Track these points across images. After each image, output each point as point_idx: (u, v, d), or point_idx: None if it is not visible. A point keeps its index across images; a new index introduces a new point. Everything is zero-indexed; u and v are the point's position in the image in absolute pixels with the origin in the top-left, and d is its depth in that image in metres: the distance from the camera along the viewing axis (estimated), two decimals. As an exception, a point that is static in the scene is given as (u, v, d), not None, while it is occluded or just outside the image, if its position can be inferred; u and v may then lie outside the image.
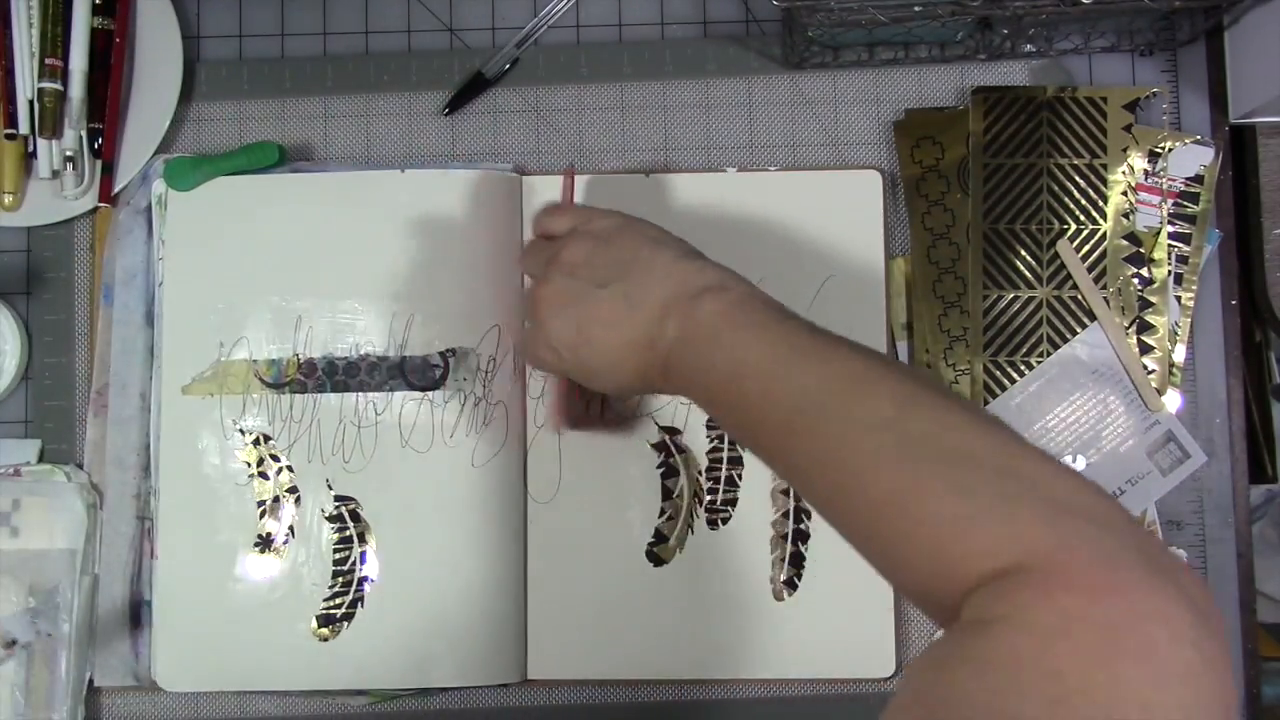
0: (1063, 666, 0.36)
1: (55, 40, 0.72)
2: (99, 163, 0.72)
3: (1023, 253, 0.73)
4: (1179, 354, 0.72)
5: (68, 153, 0.72)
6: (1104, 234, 0.73)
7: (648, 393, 0.57)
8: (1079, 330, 0.72)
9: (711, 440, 0.72)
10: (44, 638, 0.69)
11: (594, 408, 0.71)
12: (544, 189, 0.73)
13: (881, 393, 0.47)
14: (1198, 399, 0.73)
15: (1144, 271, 0.73)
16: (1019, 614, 0.38)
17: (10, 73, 0.72)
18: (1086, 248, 0.73)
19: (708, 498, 0.72)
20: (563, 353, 0.57)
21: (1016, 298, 0.73)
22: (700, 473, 0.72)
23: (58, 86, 0.71)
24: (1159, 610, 0.38)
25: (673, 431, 0.72)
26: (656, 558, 0.71)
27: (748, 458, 0.72)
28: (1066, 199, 0.73)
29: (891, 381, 0.48)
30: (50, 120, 0.71)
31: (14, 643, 0.69)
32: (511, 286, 0.72)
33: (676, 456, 0.72)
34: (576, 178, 0.73)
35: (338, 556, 0.71)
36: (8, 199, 0.72)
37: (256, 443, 0.71)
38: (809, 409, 0.48)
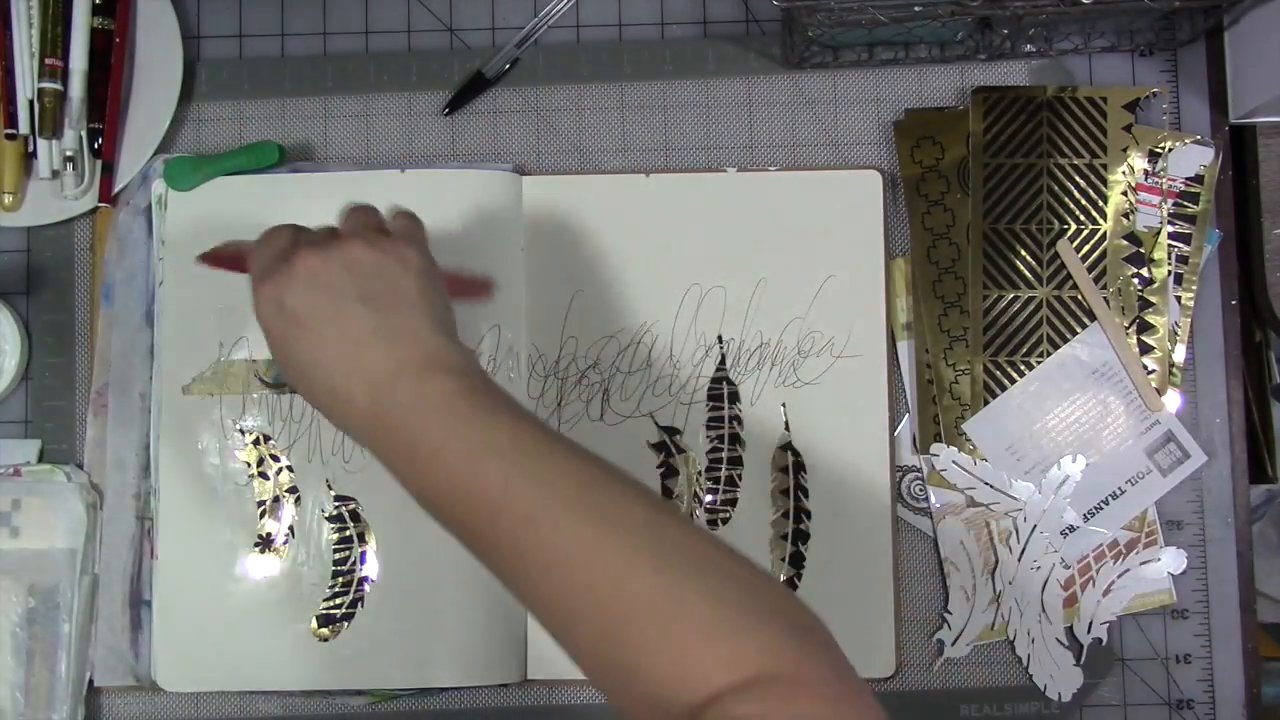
0: None
1: (55, 40, 0.72)
2: (99, 163, 0.72)
3: (1023, 253, 0.73)
4: (1179, 354, 0.72)
5: (68, 153, 0.72)
6: (1104, 234, 0.73)
7: (332, 419, 0.53)
8: (1079, 330, 0.72)
9: (711, 440, 0.72)
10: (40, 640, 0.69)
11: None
12: (544, 189, 0.73)
13: (632, 496, 0.48)
14: (1198, 399, 0.73)
15: (1144, 271, 0.73)
16: (767, 717, 0.41)
17: (10, 73, 0.72)
18: (1086, 248, 0.73)
19: (708, 498, 0.72)
20: (281, 317, 0.53)
21: (1016, 298, 0.73)
22: (700, 473, 0.72)
23: (58, 86, 0.71)
24: (862, 710, 0.43)
25: (673, 431, 0.72)
26: (656, 558, 0.71)
27: (748, 458, 0.72)
28: (1066, 199, 0.73)
29: (635, 488, 0.49)
30: (50, 120, 0.71)
31: None
32: (512, 286, 0.72)
33: (676, 456, 0.72)
34: (577, 178, 0.73)
35: (338, 556, 0.71)
36: (8, 199, 0.72)
37: (256, 443, 0.71)
38: (556, 503, 0.47)
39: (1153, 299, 0.72)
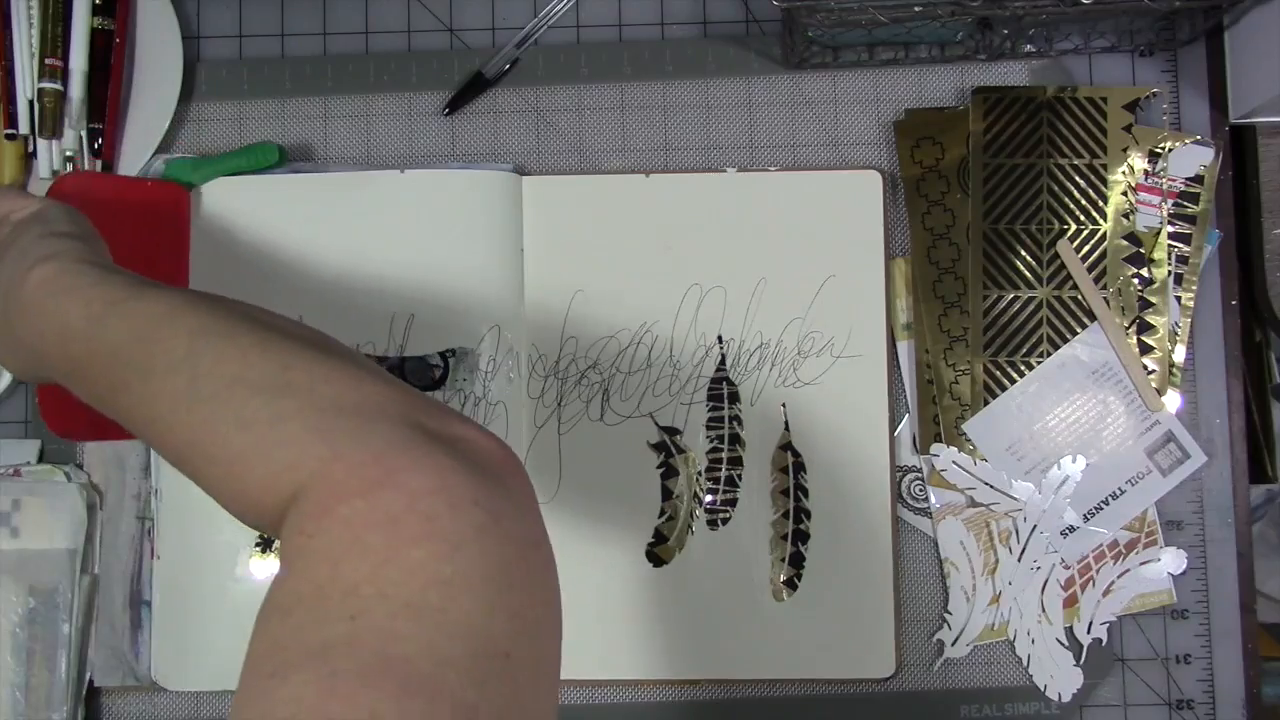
0: (357, 578, 0.36)
1: (55, 40, 0.72)
2: (99, 163, 0.72)
3: (1023, 253, 0.73)
4: (1179, 354, 0.72)
5: (68, 153, 0.72)
6: (1104, 234, 0.73)
7: (36, 378, 0.54)
8: (1079, 330, 0.72)
9: (711, 440, 0.72)
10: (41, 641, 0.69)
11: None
12: (544, 189, 0.73)
13: (178, 331, 0.46)
14: (1198, 399, 0.73)
15: (1144, 271, 0.73)
16: (311, 540, 0.38)
17: (10, 73, 0.72)
18: (1086, 248, 0.73)
19: (708, 498, 0.72)
20: None
21: (1016, 298, 0.73)
22: (700, 473, 0.72)
23: (58, 86, 0.71)
24: (435, 484, 0.38)
25: (673, 431, 0.72)
26: (656, 558, 0.71)
27: (748, 458, 0.72)
28: (1066, 199, 0.73)
29: (189, 317, 0.46)
30: (50, 120, 0.71)
31: None
32: (511, 286, 0.72)
33: (676, 456, 0.72)
34: (577, 178, 0.73)
35: (338, 556, 0.71)
36: (8, 199, 0.72)
37: (256, 443, 0.71)
38: (123, 364, 0.46)
39: (1153, 299, 0.72)
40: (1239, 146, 0.75)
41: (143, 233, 0.70)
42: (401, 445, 0.39)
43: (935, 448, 0.72)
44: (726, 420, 0.72)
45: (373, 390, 0.42)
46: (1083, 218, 0.73)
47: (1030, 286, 0.73)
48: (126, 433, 0.52)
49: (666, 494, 0.72)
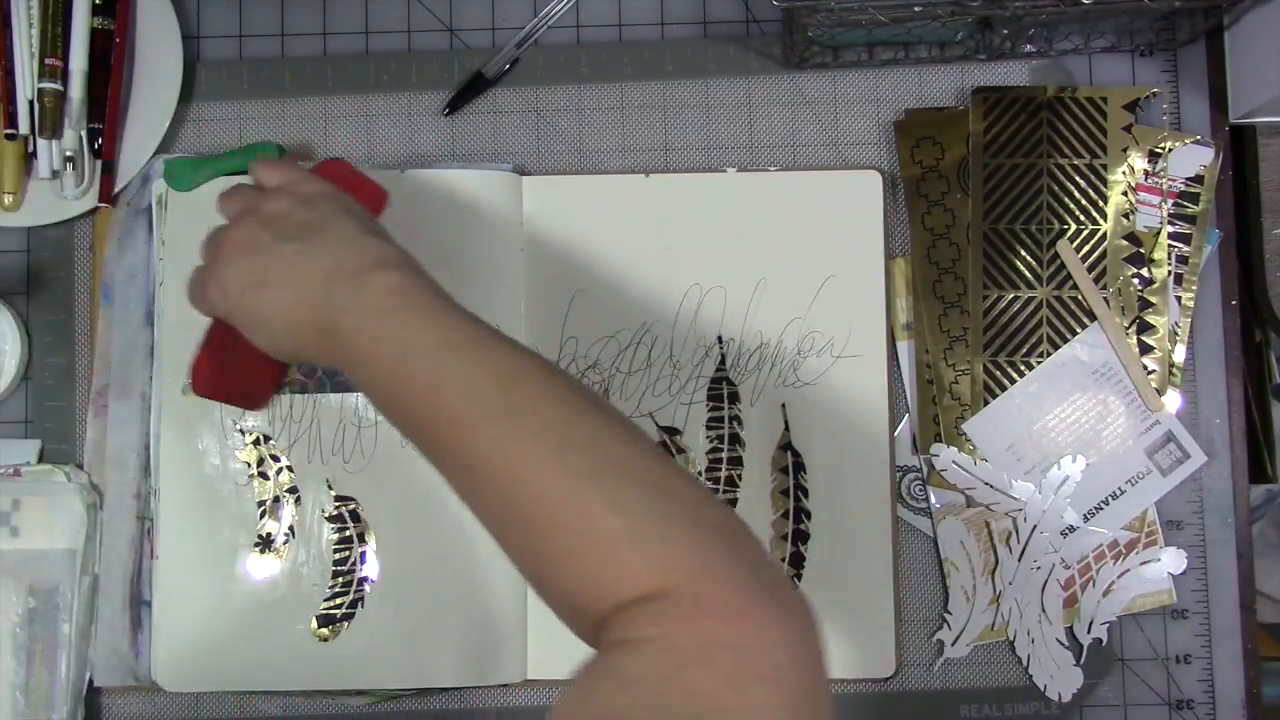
0: (701, 687, 0.39)
1: (55, 40, 0.72)
2: (99, 163, 0.72)
3: (1023, 253, 0.73)
4: (1179, 354, 0.72)
5: (68, 153, 0.72)
6: (1104, 234, 0.73)
7: (310, 361, 0.55)
8: (1079, 330, 0.72)
9: (711, 440, 0.72)
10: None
11: (243, 372, 0.61)
12: (544, 189, 0.73)
13: (549, 394, 0.47)
14: (1198, 399, 0.73)
15: (1144, 271, 0.73)
16: (664, 637, 0.40)
17: (10, 73, 0.72)
18: (1086, 248, 0.73)
19: (708, 498, 0.72)
20: (231, 293, 0.54)
21: (1016, 298, 0.73)
22: (700, 473, 0.72)
23: (58, 86, 0.71)
24: (784, 636, 0.41)
25: (672, 431, 0.72)
26: (656, 558, 0.71)
27: (748, 458, 0.72)
28: (1066, 199, 0.73)
29: (556, 384, 0.48)
30: (50, 120, 0.71)
31: None
32: (511, 286, 0.72)
33: (676, 456, 0.72)
34: (577, 178, 0.73)
35: (338, 556, 0.71)
36: (8, 199, 0.72)
37: (256, 443, 0.71)
38: (476, 401, 0.47)
39: (1153, 299, 0.72)
40: (1239, 146, 0.75)
41: None
42: (760, 589, 0.42)
43: (935, 448, 0.72)
44: (726, 420, 0.72)
45: (735, 525, 0.45)
46: (1083, 218, 0.73)
47: (1030, 286, 0.73)
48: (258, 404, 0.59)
49: (666, 494, 0.72)
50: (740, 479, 0.72)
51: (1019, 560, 0.71)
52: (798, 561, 0.71)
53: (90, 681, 0.71)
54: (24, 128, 0.72)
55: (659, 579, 0.42)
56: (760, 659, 0.40)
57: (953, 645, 0.72)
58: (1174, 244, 0.73)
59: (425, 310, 0.50)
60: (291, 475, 0.71)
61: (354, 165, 0.65)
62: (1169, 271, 0.73)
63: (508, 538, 0.47)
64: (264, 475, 0.71)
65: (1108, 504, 0.72)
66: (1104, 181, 0.73)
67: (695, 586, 0.41)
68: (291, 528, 0.71)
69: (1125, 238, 0.73)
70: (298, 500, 0.71)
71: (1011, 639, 0.71)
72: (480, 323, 0.50)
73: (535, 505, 0.45)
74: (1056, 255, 0.73)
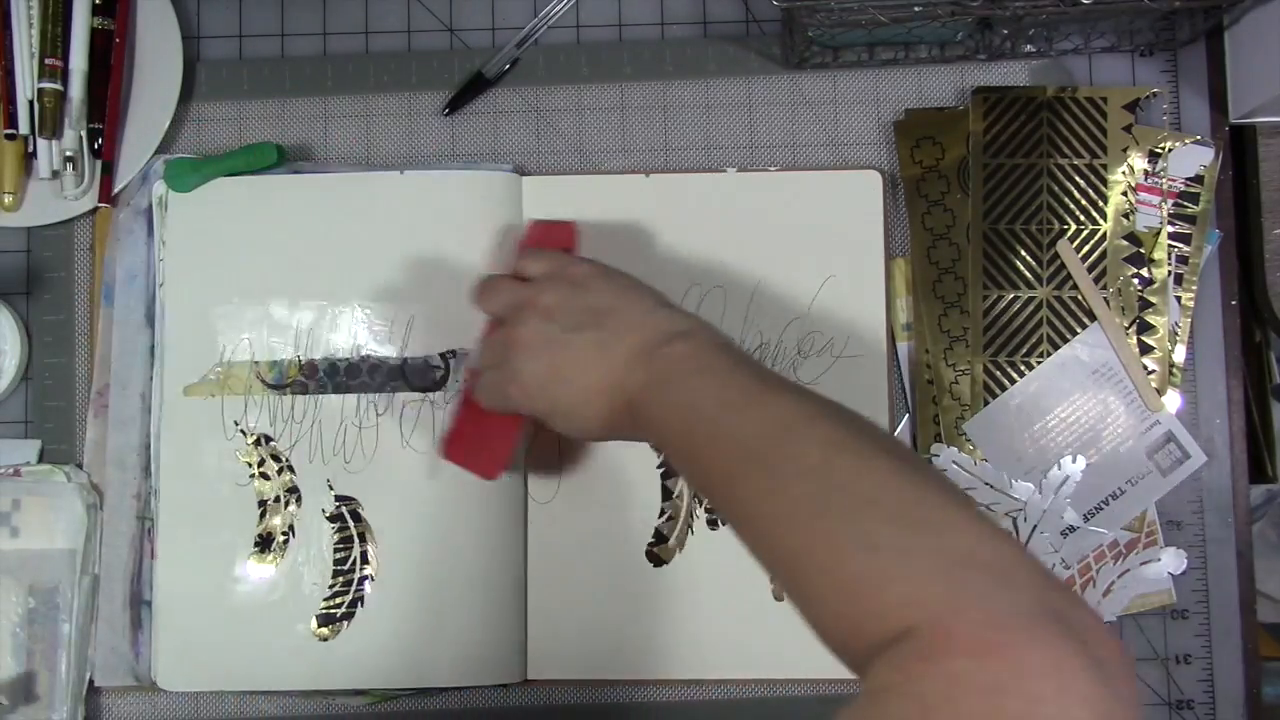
0: None
1: (55, 40, 0.72)
2: (99, 163, 0.72)
3: (1023, 253, 0.73)
4: (1179, 354, 0.72)
5: (68, 153, 0.72)
6: (1104, 234, 0.73)
7: (614, 437, 0.58)
8: (1079, 330, 0.72)
9: (711, 440, 0.72)
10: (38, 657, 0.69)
11: (490, 439, 0.66)
12: (544, 189, 0.73)
13: (811, 438, 0.48)
14: (1198, 399, 0.73)
15: (1144, 271, 0.73)
16: (908, 683, 0.38)
17: (10, 73, 0.72)
18: (1086, 248, 0.73)
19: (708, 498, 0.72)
20: (533, 392, 0.58)
21: (1016, 298, 0.73)
22: (700, 473, 0.72)
23: (58, 86, 0.71)
24: (1048, 664, 0.37)
25: (673, 431, 0.72)
26: (656, 558, 0.71)
27: (748, 458, 0.72)
28: (1066, 199, 0.73)
29: (823, 427, 0.49)
30: (50, 120, 0.71)
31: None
32: (511, 286, 0.72)
33: (676, 456, 0.72)
34: (577, 178, 0.74)
35: (338, 556, 0.71)
36: (8, 199, 0.72)
37: (258, 443, 0.71)
38: (748, 457, 0.49)
39: (1153, 299, 0.72)
40: (1239, 146, 0.75)
41: None
42: (1025, 617, 0.39)
43: (935, 448, 0.72)
44: (726, 420, 0.72)
45: (1006, 552, 0.42)
46: (1083, 218, 0.73)
47: (1030, 286, 0.73)
48: (499, 471, 0.64)
49: (666, 494, 0.72)
50: (740, 479, 0.72)
51: (1019, 560, 0.71)
52: (798, 561, 0.71)
53: (90, 681, 0.71)
54: (24, 128, 0.72)
55: (904, 618, 0.40)
56: (1012, 694, 0.36)
57: (953, 645, 0.71)
58: (1174, 244, 0.73)
59: (707, 372, 0.53)
60: (292, 475, 0.71)
61: (540, 221, 0.69)
62: (1169, 271, 0.73)
63: (784, 584, 0.48)
64: (264, 475, 0.71)
65: (1108, 504, 0.72)
66: (1104, 181, 0.73)
67: (940, 624, 0.39)
68: (292, 528, 0.71)
69: (1125, 238, 0.73)
70: (298, 500, 0.71)
71: (1011, 639, 0.71)
72: (765, 376, 0.52)
73: (794, 552, 0.46)
74: (1056, 255, 0.73)
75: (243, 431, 0.71)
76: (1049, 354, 0.72)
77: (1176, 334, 0.73)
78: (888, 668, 0.39)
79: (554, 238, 0.67)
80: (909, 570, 0.41)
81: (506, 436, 0.65)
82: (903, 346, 0.73)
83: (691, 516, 0.72)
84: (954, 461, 0.72)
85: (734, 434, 0.50)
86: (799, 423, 0.49)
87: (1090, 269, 0.72)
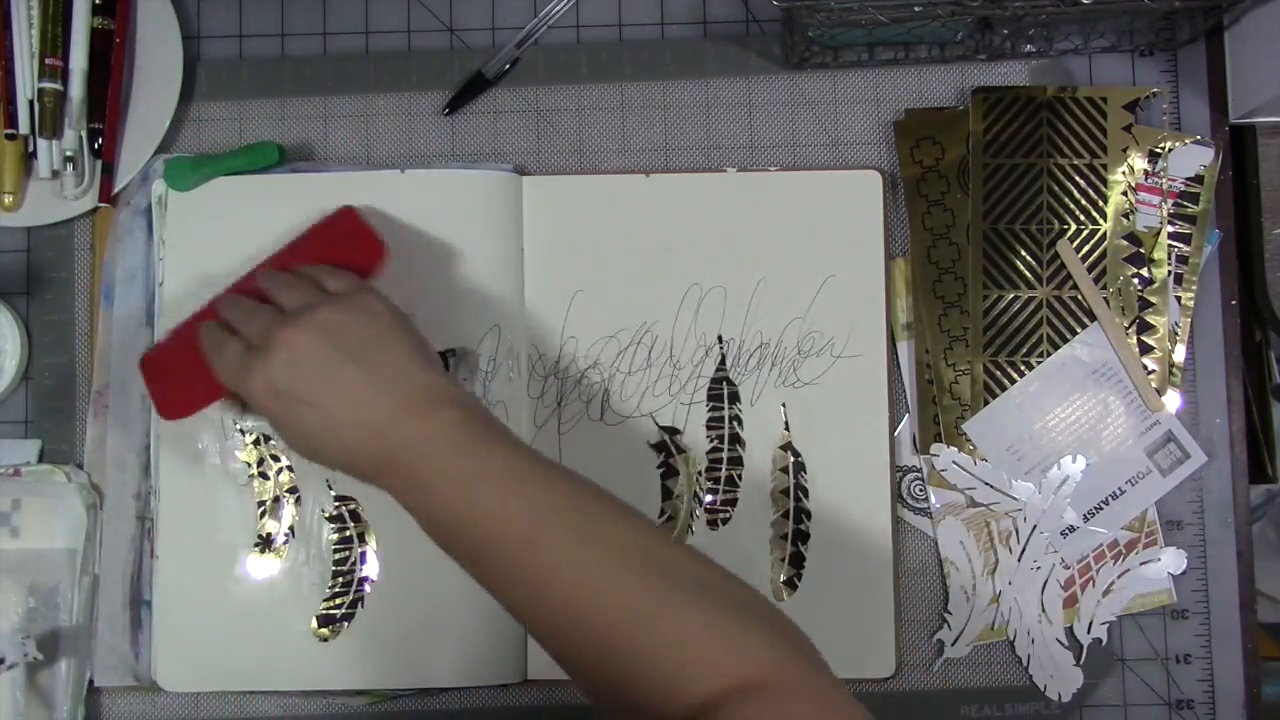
0: None
1: (55, 40, 0.72)
2: (99, 163, 0.72)
3: (1023, 253, 0.73)
4: (1179, 354, 0.72)
5: (68, 153, 0.72)
6: (1104, 234, 0.73)
7: (348, 473, 0.57)
8: (1079, 330, 0.72)
9: (711, 440, 0.72)
10: (33, 659, 0.69)
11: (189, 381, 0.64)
12: (544, 189, 0.73)
13: (624, 518, 0.52)
14: (1198, 399, 0.73)
15: (1144, 271, 0.73)
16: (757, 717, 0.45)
17: (10, 73, 0.72)
18: (1086, 248, 0.73)
19: (708, 498, 0.72)
20: (280, 396, 0.56)
21: (1016, 298, 0.73)
22: (700, 473, 0.72)
23: (58, 86, 0.71)
24: (845, 710, 0.47)
25: (673, 431, 0.72)
26: (656, 558, 0.71)
27: (748, 458, 0.72)
28: (1066, 199, 0.73)
29: (629, 510, 0.53)
30: (50, 120, 0.71)
31: (1, 661, 0.68)
32: (511, 286, 0.72)
33: (676, 456, 0.72)
34: (577, 178, 0.74)
35: (338, 557, 0.71)
36: (8, 199, 0.72)
37: (257, 443, 0.71)
38: (553, 524, 0.51)
39: (1153, 299, 0.72)
40: (1239, 146, 0.75)
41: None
42: (832, 681, 0.49)
43: (935, 448, 0.72)
44: (726, 420, 0.72)
45: (785, 619, 0.51)
46: (1083, 218, 0.73)
47: (1030, 286, 0.73)
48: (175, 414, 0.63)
49: (666, 494, 0.72)
50: (740, 479, 0.72)
51: (1019, 560, 0.71)
52: (798, 561, 0.71)
53: (90, 681, 0.71)
54: (24, 128, 0.72)
55: (747, 671, 0.46)
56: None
57: (953, 645, 0.72)
58: (1174, 244, 0.73)
59: (491, 443, 0.54)
60: (292, 475, 0.71)
61: (362, 217, 0.68)
62: (1169, 271, 0.73)
63: (580, 652, 0.50)
64: (264, 475, 0.71)
65: (1108, 504, 0.72)
66: (1104, 181, 0.73)
67: (783, 676, 0.47)
68: (291, 528, 0.71)
69: (1125, 238, 0.73)
70: (298, 500, 0.71)
71: (1011, 639, 0.71)
72: (537, 452, 0.55)
73: (618, 617, 0.49)
74: (1056, 255, 0.73)
75: (241, 431, 0.71)
76: (1049, 354, 0.72)
77: (1176, 334, 0.73)
78: (740, 709, 0.46)
79: (363, 254, 0.66)
80: (747, 631, 0.48)
81: (206, 394, 0.63)
82: (903, 346, 0.73)
83: (691, 516, 0.72)
84: (954, 461, 0.72)
85: (532, 503, 0.52)
86: (603, 502, 0.53)
87: (1090, 269, 0.72)
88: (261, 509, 0.71)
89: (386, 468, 0.55)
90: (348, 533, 0.71)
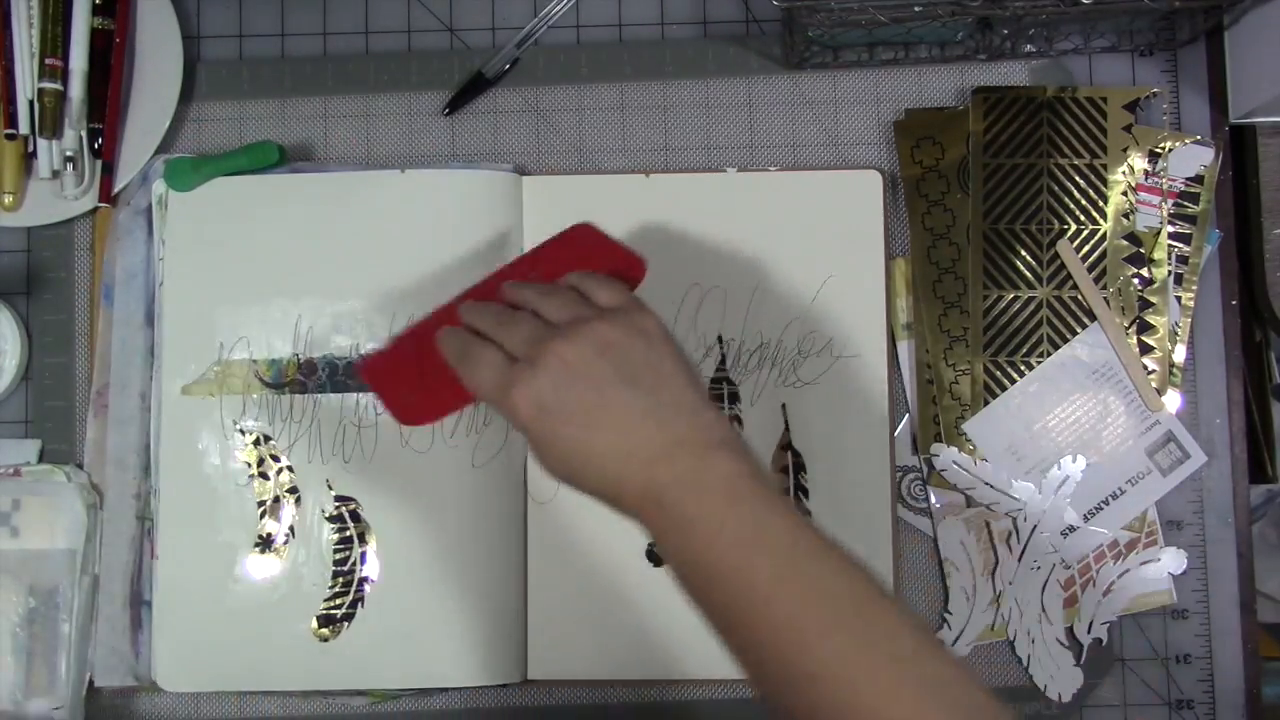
0: None
1: (55, 40, 0.72)
2: (99, 163, 0.72)
3: (1023, 253, 0.73)
4: (1179, 354, 0.72)
5: (68, 153, 0.72)
6: (1104, 234, 0.73)
7: (602, 501, 0.52)
8: (1079, 330, 0.72)
9: (711, 440, 0.72)
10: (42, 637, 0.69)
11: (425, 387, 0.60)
12: (544, 189, 0.73)
13: (901, 621, 0.47)
14: (1198, 399, 0.73)
15: (1144, 271, 0.73)
16: None
17: (10, 73, 0.72)
18: (1086, 248, 0.73)
19: (708, 498, 0.72)
20: (549, 415, 0.51)
21: (1016, 298, 0.73)
22: (700, 473, 0.72)
23: (58, 86, 0.71)
24: None
25: (673, 431, 0.72)
26: (656, 558, 0.71)
27: (748, 458, 0.72)
28: (1066, 199, 0.73)
29: (906, 611, 0.49)
30: (50, 120, 0.71)
31: None
32: (511, 286, 0.72)
33: (676, 456, 0.72)
34: (577, 178, 0.74)
35: (338, 557, 0.71)
36: (8, 199, 0.72)
37: (257, 443, 0.71)
38: (826, 613, 0.47)
39: (1153, 299, 0.72)
40: (1239, 146, 0.75)
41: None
42: None
43: (935, 448, 0.72)
44: (726, 420, 0.72)
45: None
46: (1083, 218, 0.73)
47: (1030, 286, 0.73)
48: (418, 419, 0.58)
49: (666, 494, 0.72)
50: (740, 479, 0.72)
51: (1019, 560, 0.71)
52: (798, 561, 0.71)
53: (90, 681, 0.71)
54: (24, 128, 0.72)
55: None
56: None
57: (953, 645, 0.71)
58: (1174, 244, 0.73)
59: (768, 503, 0.49)
60: (291, 475, 0.71)
61: (604, 232, 0.62)
62: (1169, 271, 0.73)
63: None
64: (264, 475, 0.71)
65: (1108, 504, 0.72)
66: (1104, 181, 0.73)
67: None
68: (291, 528, 0.71)
69: (1125, 238, 0.73)
70: (298, 500, 0.71)
71: (1011, 639, 0.71)
72: (813, 525, 0.50)
73: (858, 709, 0.45)
74: (1056, 255, 0.73)
75: (241, 431, 0.71)
76: (1049, 354, 0.72)
77: (1176, 334, 0.73)
78: None
79: (625, 270, 0.60)
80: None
81: (452, 402, 0.58)
82: (903, 346, 0.73)
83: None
84: (954, 461, 0.72)
85: (809, 584, 0.47)
86: (881, 598, 0.48)
87: (1090, 269, 0.72)
88: (261, 509, 0.71)
89: (652, 503, 0.50)
90: (348, 533, 0.71)
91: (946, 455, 0.72)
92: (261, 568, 0.71)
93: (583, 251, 0.62)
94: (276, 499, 0.71)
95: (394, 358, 0.61)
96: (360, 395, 0.71)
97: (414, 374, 0.59)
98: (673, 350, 0.53)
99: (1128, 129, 0.73)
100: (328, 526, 0.71)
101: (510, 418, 0.53)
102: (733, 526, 0.48)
